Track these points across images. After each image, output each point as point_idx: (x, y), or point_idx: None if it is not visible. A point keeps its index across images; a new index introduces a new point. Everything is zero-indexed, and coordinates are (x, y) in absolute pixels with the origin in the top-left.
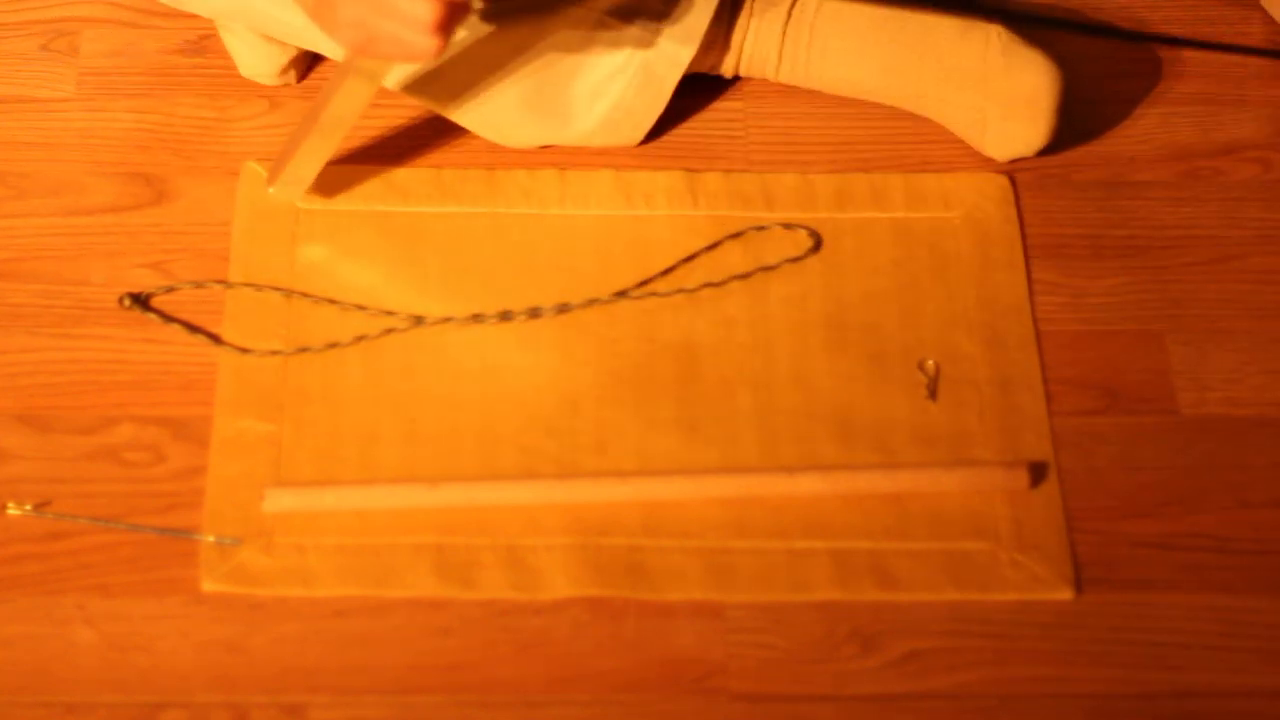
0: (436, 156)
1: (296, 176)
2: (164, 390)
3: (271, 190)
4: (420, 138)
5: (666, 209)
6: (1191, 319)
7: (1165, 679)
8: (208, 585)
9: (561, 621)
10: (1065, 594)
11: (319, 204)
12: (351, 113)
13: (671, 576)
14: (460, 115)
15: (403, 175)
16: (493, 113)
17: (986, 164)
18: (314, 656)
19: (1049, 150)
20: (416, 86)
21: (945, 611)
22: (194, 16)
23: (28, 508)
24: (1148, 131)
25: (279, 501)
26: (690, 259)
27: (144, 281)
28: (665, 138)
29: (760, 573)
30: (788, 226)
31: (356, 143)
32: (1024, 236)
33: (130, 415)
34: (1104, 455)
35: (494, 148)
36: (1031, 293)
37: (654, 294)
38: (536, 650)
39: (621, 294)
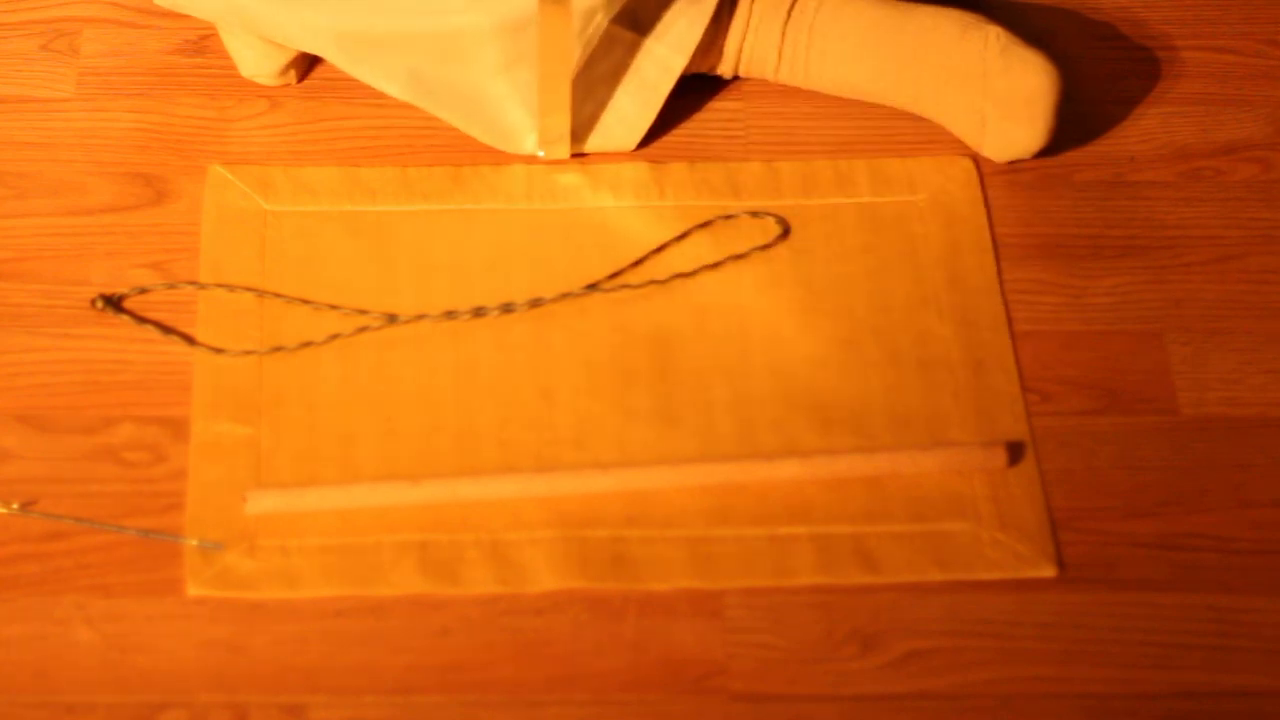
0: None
1: (553, 134)
2: (164, 390)
3: (541, 153)
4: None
5: (633, 200)
6: (1191, 319)
7: (1164, 679)
8: (193, 590)
9: (561, 621)
10: (1048, 571)
11: (287, 205)
12: (559, 47)
13: (656, 566)
14: (467, 125)
15: (369, 175)
16: (495, 119)
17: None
18: (314, 656)
19: (1048, 150)
20: (422, 95)
21: (945, 611)
22: (194, 16)
23: (14, 506)
24: (1148, 131)
25: (261, 503)
26: (660, 249)
27: (145, 281)
28: (665, 138)
29: (744, 560)
30: (755, 215)
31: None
32: (991, 220)
33: (130, 415)
34: (1104, 455)
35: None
36: (1002, 279)
37: (626, 286)
38: (536, 650)
39: (593, 286)
